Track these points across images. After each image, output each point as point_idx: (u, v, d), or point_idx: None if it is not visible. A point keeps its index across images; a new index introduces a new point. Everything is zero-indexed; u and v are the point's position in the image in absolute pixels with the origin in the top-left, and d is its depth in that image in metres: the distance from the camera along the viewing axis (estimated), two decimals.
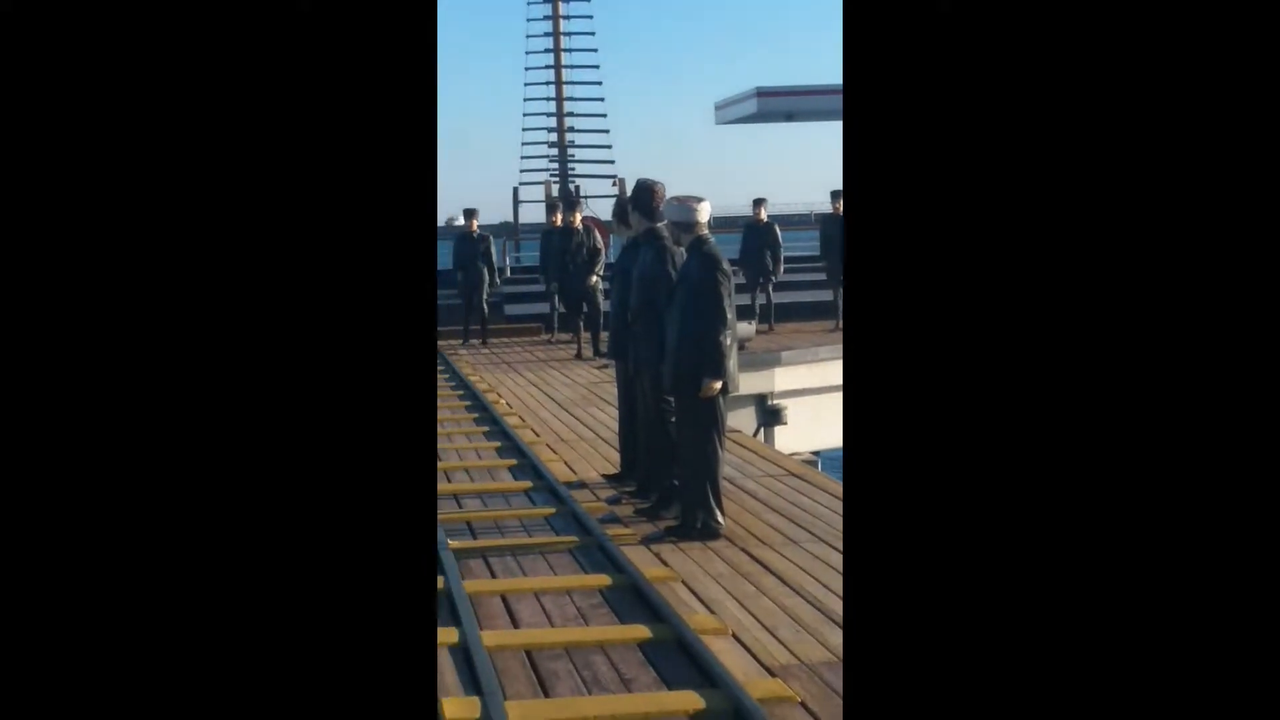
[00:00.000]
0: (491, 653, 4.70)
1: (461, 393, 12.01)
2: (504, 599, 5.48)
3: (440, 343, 16.55)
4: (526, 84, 22.51)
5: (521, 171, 22.52)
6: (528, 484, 7.85)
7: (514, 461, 8.58)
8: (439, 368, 14.05)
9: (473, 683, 4.45)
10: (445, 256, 17.84)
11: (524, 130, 22.62)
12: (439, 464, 8.50)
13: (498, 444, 9.28)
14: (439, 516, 6.79)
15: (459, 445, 9.31)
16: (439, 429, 9.99)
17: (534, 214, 22.24)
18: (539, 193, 21.82)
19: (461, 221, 17.28)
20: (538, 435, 9.52)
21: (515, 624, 5.17)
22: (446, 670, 4.60)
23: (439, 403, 11.41)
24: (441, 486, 7.73)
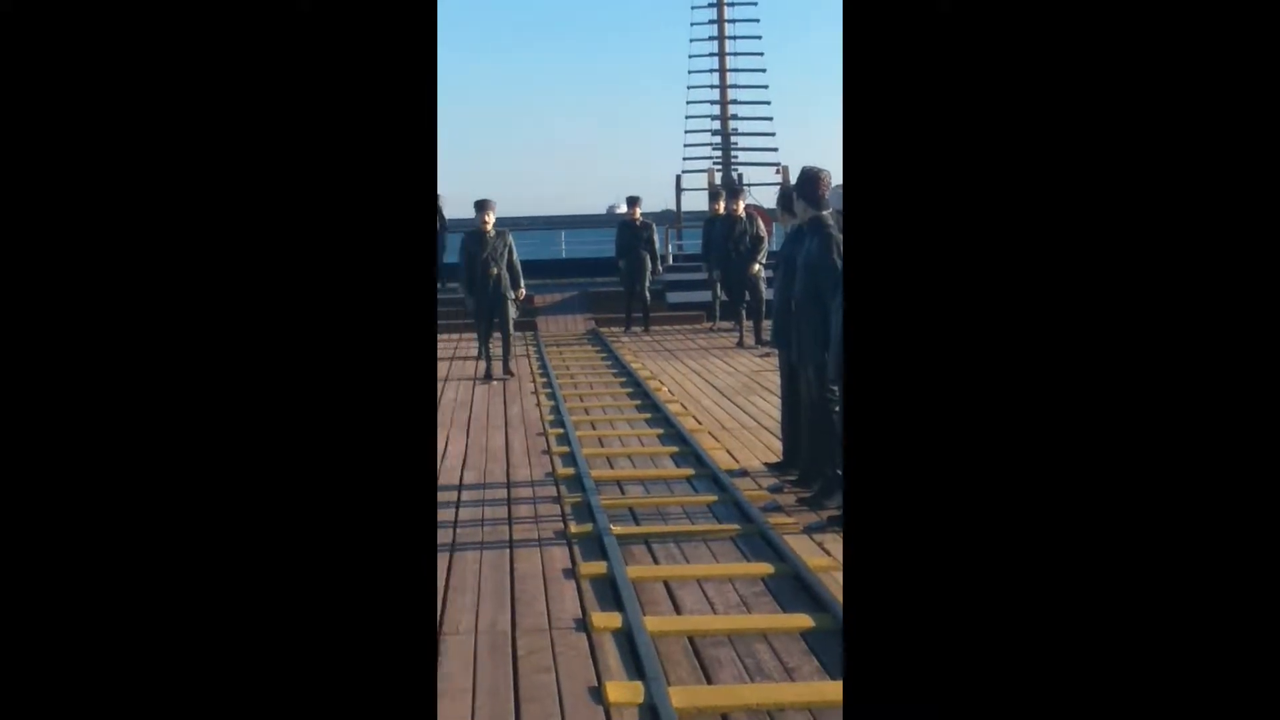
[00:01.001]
0: (654, 638, 4.74)
1: (624, 379, 12.10)
2: (667, 585, 5.51)
3: (602, 329, 16.72)
4: (691, 71, 22.50)
5: (685, 159, 22.52)
6: (690, 471, 7.87)
7: (676, 449, 8.60)
8: (601, 354, 14.19)
9: (636, 668, 4.49)
10: (608, 244, 17.99)
11: (687, 118, 22.62)
12: (602, 450, 8.59)
13: (660, 431, 9.32)
14: (601, 502, 6.89)
15: (621, 432, 9.38)
16: (602, 415, 10.11)
17: (697, 202, 22.24)
18: (702, 180, 21.78)
19: (624, 209, 17.37)
20: (700, 423, 9.53)
21: (678, 610, 5.20)
22: (610, 654, 4.65)
23: (602, 389, 11.54)
24: (604, 473, 7.81)
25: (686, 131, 22.55)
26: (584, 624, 4.98)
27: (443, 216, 18.44)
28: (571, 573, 5.69)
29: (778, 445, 8.16)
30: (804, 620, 4.94)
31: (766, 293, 14.08)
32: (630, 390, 11.40)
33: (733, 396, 10.91)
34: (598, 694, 4.27)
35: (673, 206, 22.89)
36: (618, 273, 16.83)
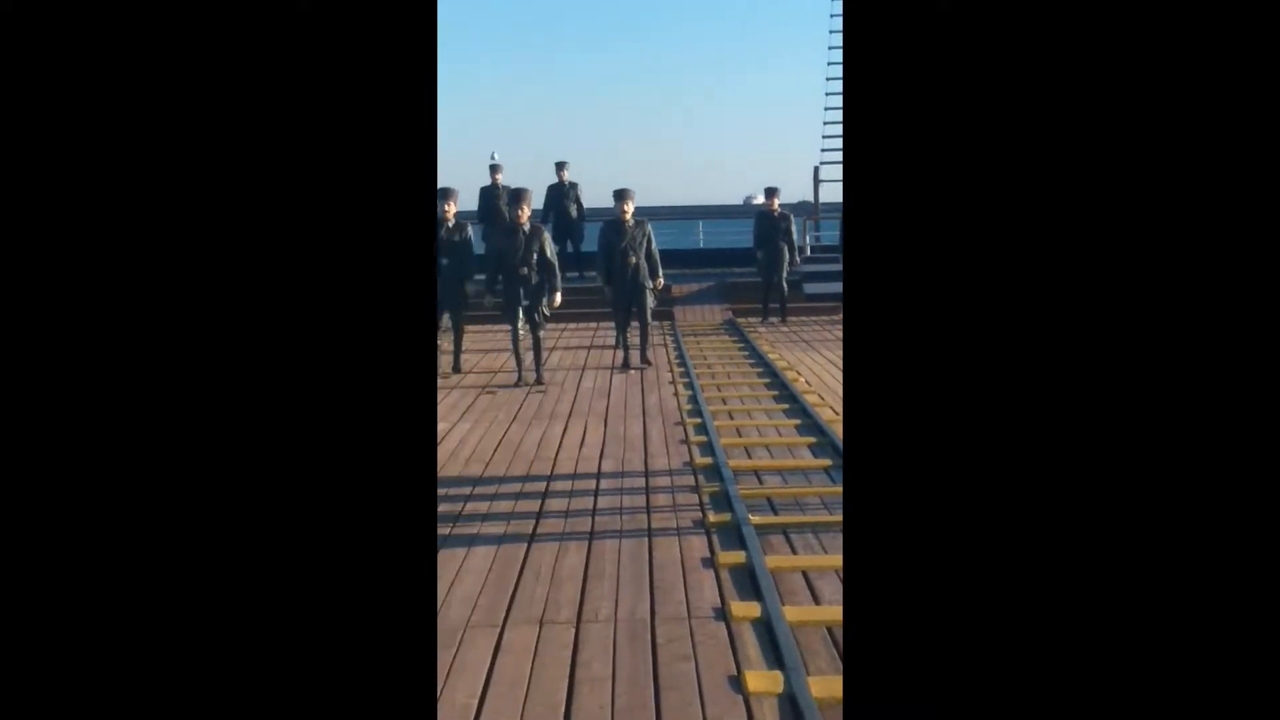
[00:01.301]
0: (794, 628, 4.73)
1: (760, 370, 12.07)
2: (805, 575, 5.48)
3: (739, 320, 16.70)
4: (830, 63, 22.31)
5: (823, 151, 22.30)
6: (827, 462, 7.82)
7: (813, 439, 8.56)
8: (738, 344, 14.17)
9: (775, 657, 4.48)
10: (746, 235, 17.96)
11: (826, 110, 22.47)
12: (740, 440, 8.58)
13: (797, 421, 9.28)
14: (740, 491, 6.88)
15: (759, 422, 9.35)
16: (739, 404, 10.10)
17: (834, 193, 22.11)
18: (839, 172, 21.62)
19: (762, 199, 17.31)
20: (837, 414, 9.46)
21: (816, 600, 5.17)
22: (749, 644, 4.65)
23: (739, 379, 11.52)
24: (742, 463, 7.80)
25: (825, 123, 22.35)
26: (723, 613, 4.98)
27: (580, 204, 18.57)
28: (710, 562, 5.70)
29: None
30: None
31: None
32: (767, 380, 11.36)
33: None
34: (737, 683, 4.28)
35: (810, 198, 22.73)
36: (755, 263, 16.79)
